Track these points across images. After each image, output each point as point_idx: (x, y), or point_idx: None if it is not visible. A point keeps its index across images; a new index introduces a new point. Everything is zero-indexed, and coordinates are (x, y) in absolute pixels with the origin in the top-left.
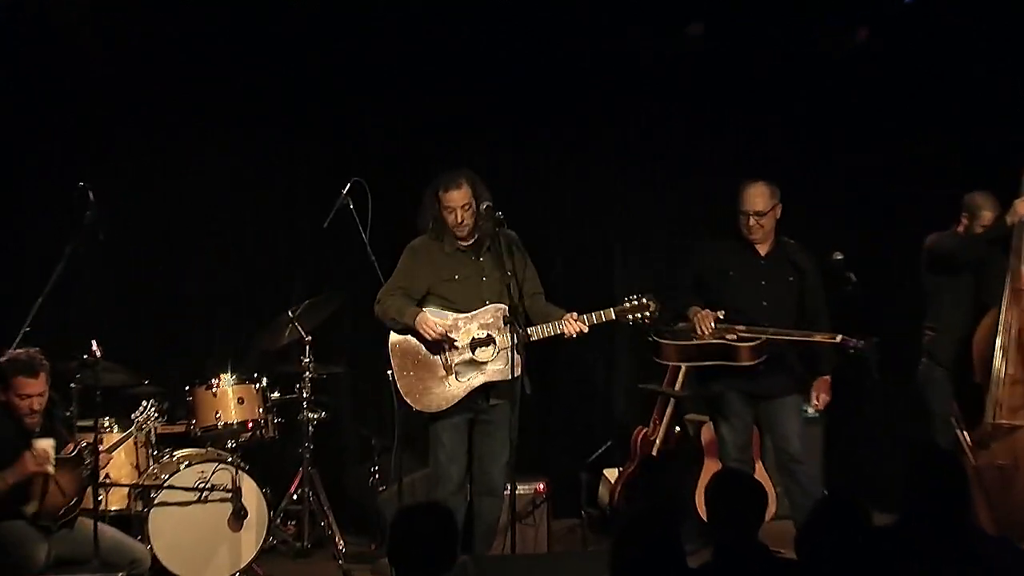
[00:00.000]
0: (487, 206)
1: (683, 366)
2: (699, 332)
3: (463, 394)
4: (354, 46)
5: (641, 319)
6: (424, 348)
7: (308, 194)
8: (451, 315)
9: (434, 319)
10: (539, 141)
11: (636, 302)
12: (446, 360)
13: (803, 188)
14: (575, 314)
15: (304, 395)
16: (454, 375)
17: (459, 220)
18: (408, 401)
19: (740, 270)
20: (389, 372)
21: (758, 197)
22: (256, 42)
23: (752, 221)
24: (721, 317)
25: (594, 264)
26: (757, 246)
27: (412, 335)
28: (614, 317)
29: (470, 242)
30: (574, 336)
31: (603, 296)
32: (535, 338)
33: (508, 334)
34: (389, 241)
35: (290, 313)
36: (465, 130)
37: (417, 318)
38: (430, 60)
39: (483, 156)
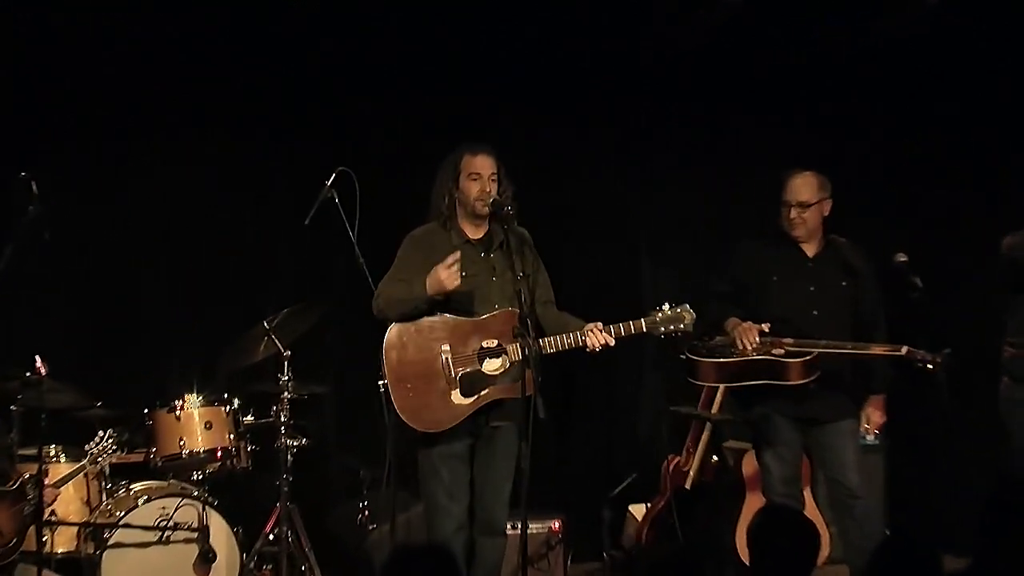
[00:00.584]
0: (495, 199)
1: (721, 386)
2: (741, 347)
3: (471, 411)
4: (348, 43)
5: (674, 332)
6: (424, 356)
7: (285, 190)
8: (451, 318)
9: (447, 262)
10: (548, 138)
11: (669, 312)
12: (449, 372)
13: (859, 183)
14: (600, 324)
15: (282, 419)
16: (458, 389)
17: (486, 190)
18: (405, 419)
19: (785, 274)
20: (381, 384)
21: (804, 186)
22: (232, 35)
23: (794, 213)
24: (766, 330)
25: (617, 271)
26: (803, 246)
27: (417, 339)
28: (644, 329)
29: (481, 234)
30: (597, 349)
31: (629, 306)
32: (550, 351)
33: (519, 346)
34: (381, 241)
35: (265, 324)
36: (465, 128)
37: (431, 277)
38: (430, 57)
39: None
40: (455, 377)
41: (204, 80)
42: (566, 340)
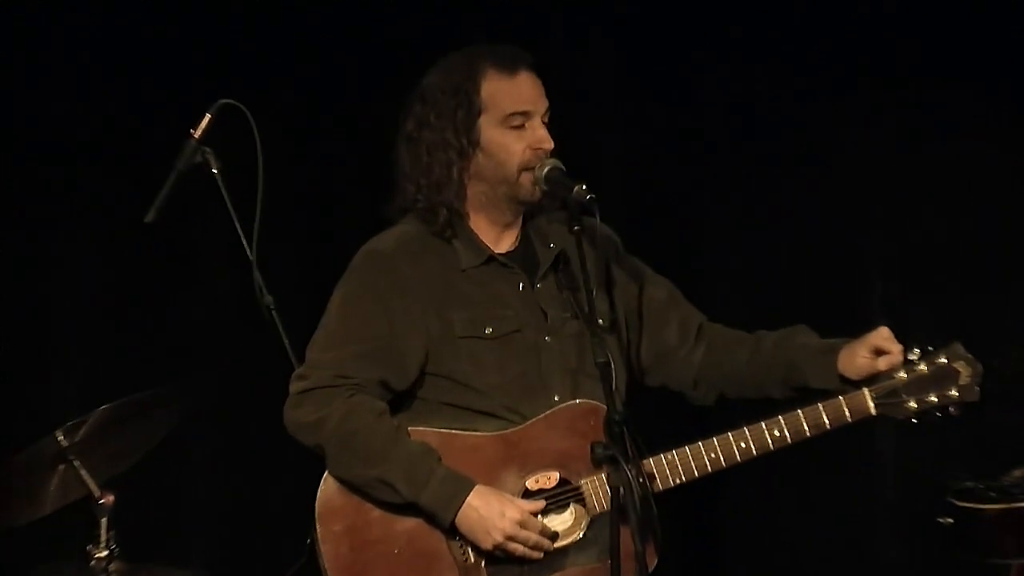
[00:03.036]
0: (551, 169)
1: None
2: None
3: None
4: None
5: (940, 406)
6: (407, 525)
7: (104, 152)
8: (458, 434)
9: (524, 509)
10: (681, 67)
11: (923, 367)
12: (465, 553)
13: None
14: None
15: None
16: None
17: (545, 145)
18: None
19: None
20: None
21: None
22: None
23: None
24: None
25: (826, 310)
26: None
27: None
28: (873, 410)
29: (513, 242)
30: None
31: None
32: (687, 478)
33: (606, 480)
34: (311, 251)
35: (60, 439)
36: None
37: (487, 511)
38: None
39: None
40: (478, 563)
41: None
42: (752, 440)
